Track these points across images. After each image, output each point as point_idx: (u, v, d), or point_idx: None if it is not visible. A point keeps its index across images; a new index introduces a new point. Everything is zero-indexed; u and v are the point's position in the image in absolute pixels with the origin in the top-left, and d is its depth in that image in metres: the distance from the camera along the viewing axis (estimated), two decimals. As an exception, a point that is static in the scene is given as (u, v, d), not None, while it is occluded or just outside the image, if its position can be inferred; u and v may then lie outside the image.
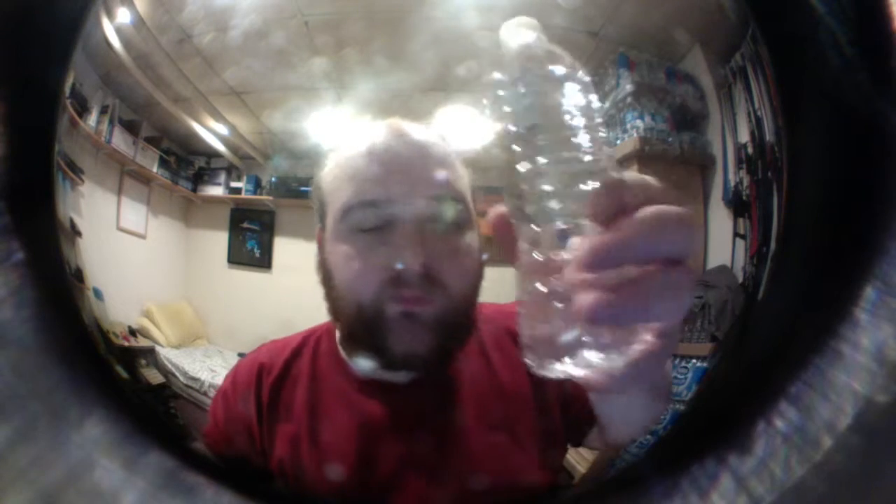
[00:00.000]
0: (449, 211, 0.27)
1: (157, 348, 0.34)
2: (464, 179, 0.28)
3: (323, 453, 0.30)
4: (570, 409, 0.31)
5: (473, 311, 0.27)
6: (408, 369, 0.29)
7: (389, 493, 0.30)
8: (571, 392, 0.29)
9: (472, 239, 0.28)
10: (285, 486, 0.30)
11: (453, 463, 0.30)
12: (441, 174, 0.27)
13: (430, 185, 0.27)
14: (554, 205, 0.20)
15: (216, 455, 0.31)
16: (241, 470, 0.31)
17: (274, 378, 0.31)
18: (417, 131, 0.27)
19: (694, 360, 0.32)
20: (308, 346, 0.32)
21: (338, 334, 0.31)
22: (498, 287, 0.27)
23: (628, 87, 0.32)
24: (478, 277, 0.27)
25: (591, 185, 0.19)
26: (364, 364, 0.30)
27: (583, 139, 0.20)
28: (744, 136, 0.32)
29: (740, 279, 0.31)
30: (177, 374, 0.34)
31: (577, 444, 0.32)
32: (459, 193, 0.27)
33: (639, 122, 0.32)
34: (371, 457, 0.29)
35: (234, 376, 0.32)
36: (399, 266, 0.25)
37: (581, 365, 0.19)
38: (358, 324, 0.27)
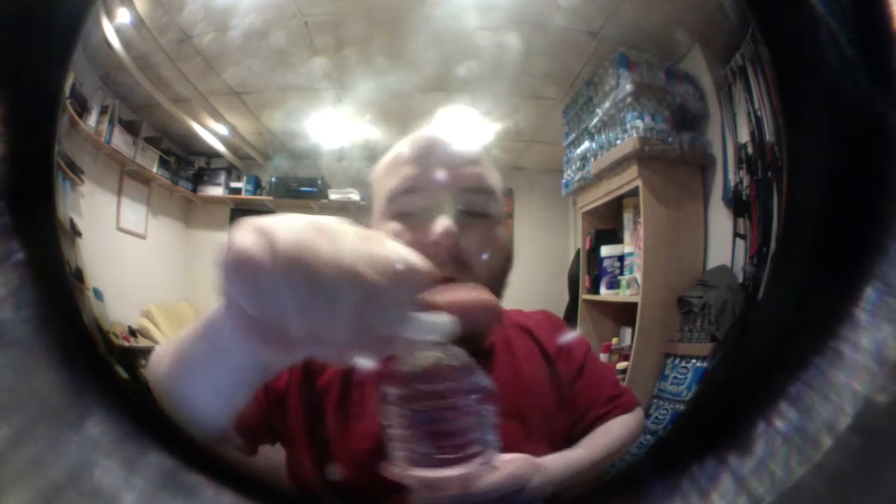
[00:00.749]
0: (479, 202, 0.30)
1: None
2: (495, 178, 0.31)
3: (351, 423, 0.31)
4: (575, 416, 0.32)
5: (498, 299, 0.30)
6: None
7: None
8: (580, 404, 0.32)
9: (500, 232, 0.31)
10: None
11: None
12: (473, 170, 0.31)
13: (463, 178, 0.30)
14: None
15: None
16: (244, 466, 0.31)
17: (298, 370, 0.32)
18: (455, 135, 0.31)
19: (694, 360, 0.32)
20: None
21: None
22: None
23: (628, 87, 0.32)
24: (504, 267, 0.31)
25: None
26: None
27: None
28: (744, 136, 0.32)
29: (740, 279, 0.31)
30: (177, 374, 0.34)
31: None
32: (490, 188, 0.31)
33: (639, 122, 0.32)
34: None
35: None
36: (433, 245, 0.28)
37: None
38: None
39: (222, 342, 0.24)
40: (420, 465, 0.24)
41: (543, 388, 0.33)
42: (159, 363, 0.29)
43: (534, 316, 0.34)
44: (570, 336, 0.34)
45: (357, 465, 0.31)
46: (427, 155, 0.30)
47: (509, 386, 0.31)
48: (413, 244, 0.27)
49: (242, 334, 0.22)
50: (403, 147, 0.30)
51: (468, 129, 0.31)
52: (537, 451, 0.31)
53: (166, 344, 0.30)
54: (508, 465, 0.28)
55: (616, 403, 0.33)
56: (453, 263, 0.29)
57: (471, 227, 0.30)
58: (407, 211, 0.30)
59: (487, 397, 0.25)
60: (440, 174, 0.30)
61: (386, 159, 0.31)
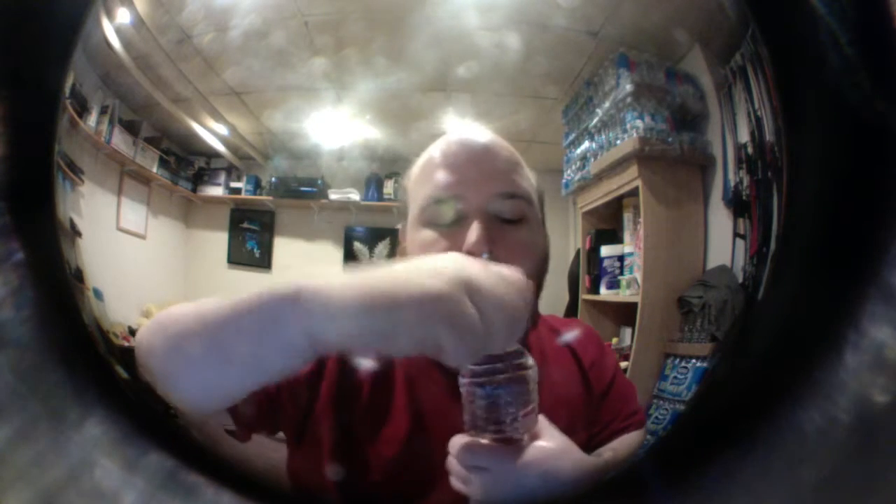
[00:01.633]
0: (514, 208, 0.30)
1: (157, 348, 0.34)
2: (529, 181, 0.31)
3: (380, 446, 0.31)
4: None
5: (534, 303, 0.29)
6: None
7: (430, 487, 0.30)
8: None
9: (536, 234, 0.31)
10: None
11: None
12: (507, 175, 0.30)
13: (497, 183, 0.30)
14: None
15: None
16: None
17: (335, 364, 0.31)
18: (487, 138, 0.30)
19: (694, 360, 0.32)
20: None
21: None
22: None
23: (628, 87, 0.32)
24: (540, 271, 0.31)
25: None
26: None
27: None
28: (744, 136, 0.32)
29: (740, 279, 0.31)
30: (177, 374, 0.34)
31: None
32: (525, 192, 0.30)
33: (639, 122, 0.32)
34: (417, 449, 0.31)
35: None
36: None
37: None
38: None
39: (276, 342, 0.23)
40: (486, 431, 0.28)
41: (578, 402, 0.33)
42: (162, 334, 0.28)
43: (571, 325, 0.34)
44: (602, 350, 0.34)
45: (381, 468, 0.31)
46: (459, 160, 0.30)
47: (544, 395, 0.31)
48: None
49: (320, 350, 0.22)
50: (435, 151, 0.30)
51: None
52: None
53: (168, 315, 0.28)
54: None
55: (634, 419, 0.33)
56: None
57: (506, 233, 0.29)
58: (439, 220, 0.30)
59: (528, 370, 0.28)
60: (473, 180, 0.30)
61: (420, 163, 0.31)
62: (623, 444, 0.33)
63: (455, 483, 0.28)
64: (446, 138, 0.30)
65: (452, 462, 0.28)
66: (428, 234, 0.30)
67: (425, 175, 0.31)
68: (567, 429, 0.30)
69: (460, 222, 0.29)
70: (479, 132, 0.30)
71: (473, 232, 0.28)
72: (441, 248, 0.29)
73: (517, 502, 0.28)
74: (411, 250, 0.31)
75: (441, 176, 0.30)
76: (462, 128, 0.30)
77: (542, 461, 0.28)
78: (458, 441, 0.28)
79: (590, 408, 0.33)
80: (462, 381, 0.28)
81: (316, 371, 0.31)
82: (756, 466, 0.24)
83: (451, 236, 0.29)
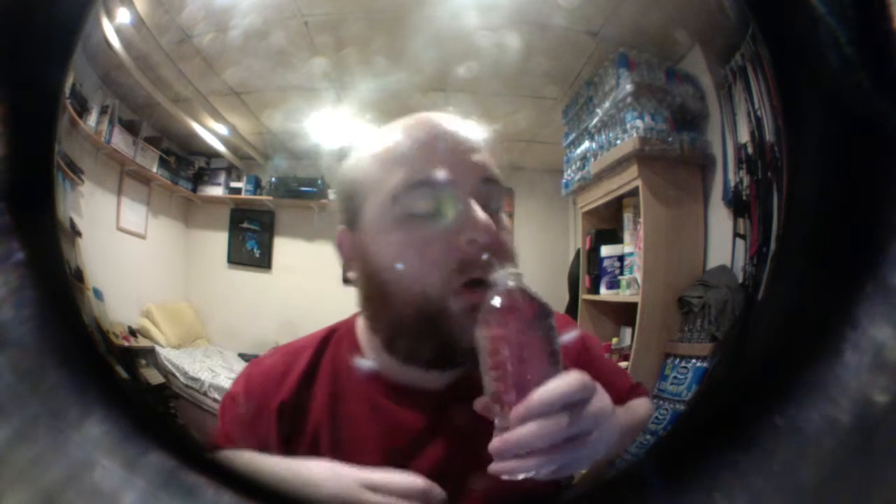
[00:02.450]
0: (496, 193, 0.27)
1: (157, 348, 0.34)
2: (497, 163, 0.27)
3: (347, 461, 0.28)
4: None
5: None
6: (460, 365, 0.27)
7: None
8: None
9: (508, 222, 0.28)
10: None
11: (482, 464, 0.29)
12: (486, 156, 0.27)
13: (481, 166, 0.26)
14: None
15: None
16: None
17: (293, 385, 0.30)
18: (452, 119, 0.27)
19: (694, 360, 0.32)
20: (329, 348, 0.30)
21: (365, 339, 0.30)
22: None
23: (628, 87, 0.32)
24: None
25: None
26: (400, 369, 0.29)
27: None
28: (744, 136, 0.32)
29: (740, 279, 0.31)
30: (177, 374, 0.34)
31: None
32: (500, 177, 0.27)
33: (639, 122, 0.32)
34: (400, 463, 0.28)
35: (246, 381, 0.31)
36: (468, 245, 0.25)
37: None
38: (417, 321, 0.26)
39: None
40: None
41: None
42: None
43: None
44: (579, 335, 0.32)
45: None
46: (436, 137, 0.26)
47: None
48: (441, 253, 0.25)
49: None
50: (399, 132, 0.26)
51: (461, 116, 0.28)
52: None
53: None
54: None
55: (637, 392, 0.32)
56: (488, 266, 0.25)
57: (496, 221, 0.26)
58: (418, 212, 0.25)
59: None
60: (458, 160, 0.26)
61: (375, 151, 0.27)
62: (637, 406, 0.30)
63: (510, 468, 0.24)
64: (411, 118, 0.26)
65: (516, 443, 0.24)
66: (408, 230, 0.25)
67: (393, 158, 0.26)
68: None
69: (447, 212, 0.25)
70: (442, 114, 0.27)
71: (478, 215, 0.24)
72: (432, 245, 0.25)
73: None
74: (384, 255, 0.26)
75: (416, 160, 0.25)
76: (422, 112, 0.27)
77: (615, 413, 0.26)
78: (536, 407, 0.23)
79: None
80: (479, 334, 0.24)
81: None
82: (756, 466, 0.24)
83: (442, 228, 0.25)
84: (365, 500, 0.25)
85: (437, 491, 0.26)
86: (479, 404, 0.25)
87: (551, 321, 0.25)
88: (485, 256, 0.25)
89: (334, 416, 0.29)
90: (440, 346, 0.27)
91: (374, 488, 0.25)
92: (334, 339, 0.30)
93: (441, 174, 0.25)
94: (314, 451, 0.28)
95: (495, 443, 0.24)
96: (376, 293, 0.27)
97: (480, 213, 0.25)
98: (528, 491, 0.31)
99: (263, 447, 0.29)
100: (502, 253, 0.26)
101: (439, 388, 0.29)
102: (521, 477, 0.24)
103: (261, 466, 0.27)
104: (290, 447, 0.29)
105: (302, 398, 0.29)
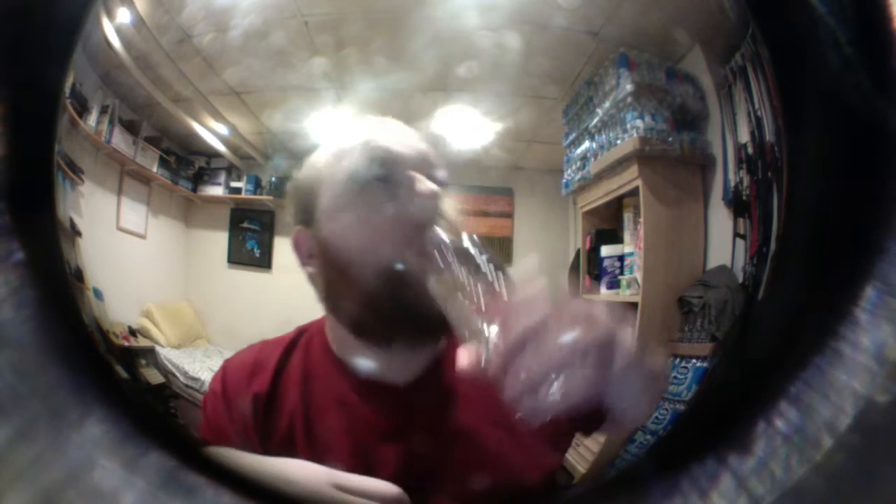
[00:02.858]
0: (442, 173, 0.28)
1: (157, 348, 0.34)
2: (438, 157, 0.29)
3: (319, 456, 0.29)
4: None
5: None
6: (428, 335, 0.29)
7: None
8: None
9: None
10: None
11: (453, 463, 0.30)
12: (427, 146, 0.29)
13: (422, 149, 0.28)
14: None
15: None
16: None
17: (267, 379, 0.31)
18: (395, 121, 0.29)
19: (694, 360, 0.32)
20: (299, 346, 0.32)
21: (333, 335, 0.31)
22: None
23: (628, 87, 0.32)
24: None
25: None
26: (364, 363, 0.30)
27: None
28: (744, 136, 0.32)
29: (740, 279, 0.31)
30: (177, 374, 0.34)
31: (588, 435, 0.32)
32: (440, 161, 0.29)
33: (639, 122, 0.32)
34: (369, 459, 0.29)
35: (223, 377, 0.32)
36: (416, 210, 0.26)
37: None
38: (378, 290, 0.27)
39: None
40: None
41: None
42: None
43: None
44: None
45: (348, 466, 0.30)
46: (384, 133, 0.28)
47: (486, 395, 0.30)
48: (391, 219, 0.27)
49: None
50: (349, 134, 0.29)
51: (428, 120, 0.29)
52: (530, 458, 0.31)
53: None
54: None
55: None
56: (440, 221, 0.26)
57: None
58: (369, 189, 0.27)
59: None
60: (402, 146, 0.28)
61: (327, 152, 0.29)
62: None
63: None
64: (358, 122, 0.29)
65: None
66: (362, 207, 0.27)
67: (344, 151, 0.28)
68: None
69: (395, 184, 0.27)
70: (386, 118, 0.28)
71: (419, 184, 0.26)
72: (384, 215, 0.27)
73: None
74: (342, 236, 0.28)
75: (368, 144, 0.28)
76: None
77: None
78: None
79: None
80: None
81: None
82: (756, 466, 0.24)
83: (392, 199, 0.27)
84: (333, 499, 0.27)
85: (407, 500, 0.27)
86: (462, 356, 0.24)
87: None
88: (433, 218, 0.26)
89: (307, 409, 0.30)
90: (405, 314, 0.27)
91: (345, 489, 0.27)
92: (305, 338, 0.32)
93: (387, 155, 0.27)
94: (290, 442, 0.30)
95: (508, 391, 0.22)
96: (337, 275, 0.28)
97: (426, 182, 0.27)
98: (529, 491, 0.31)
99: (242, 438, 0.30)
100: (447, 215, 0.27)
101: (405, 383, 0.30)
102: (549, 403, 0.21)
103: (238, 461, 0.28)
104: (266, 438, 0.30)
105: (276, 391, 0.30)
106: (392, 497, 0.27)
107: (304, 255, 0.29)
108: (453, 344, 0.28)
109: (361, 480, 0.27)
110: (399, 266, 0.26)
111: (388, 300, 0.27)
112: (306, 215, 0.29)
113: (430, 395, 0.30)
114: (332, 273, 0.28)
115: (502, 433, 0.30)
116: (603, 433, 0.32)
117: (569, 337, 0.22)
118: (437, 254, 0.25)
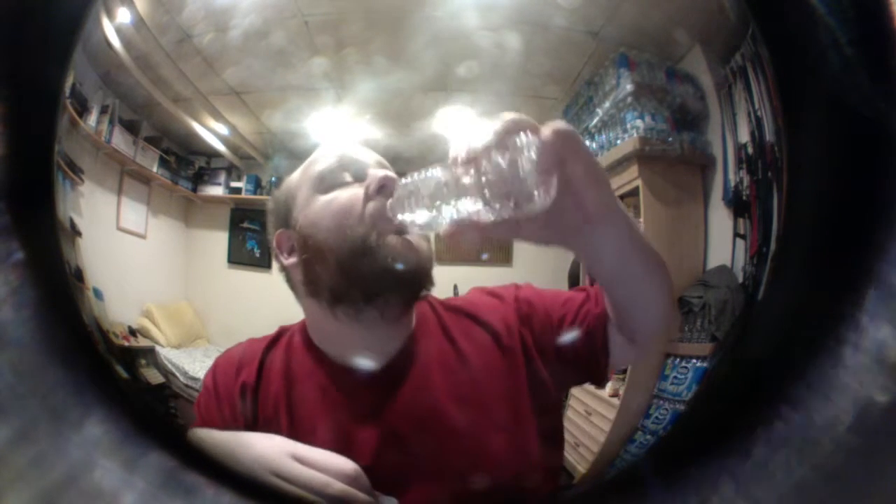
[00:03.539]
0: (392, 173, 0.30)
1: (157, 348, 0.34)
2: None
3: (301, 440, 0.30)
4: (578, 352, 0.32)
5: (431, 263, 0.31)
6: (392, 292, 0.30)
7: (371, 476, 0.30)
8: (572, 341, 0.32)
9: None
10: None
11: (429, 445, 0.31)
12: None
13: (378, 156, 0.31)
14: None
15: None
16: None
17: (253, 371, 0.32)
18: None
19: (694, 360, 0.32)
20: (281, 341, 0.33)
21: (313, 329, 0.32)
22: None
23: (628, 87, 0.32)
24: None
25: None
26: (340, 349, 0.32)
27: None
28: (744, 136, 0.32)
29: (740, 279, 0.31)
30: (177, 373, 0.34)
31: (603, 382, 0.33)
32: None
33: (639, 122, 0.32)
34: (347, 441, 0.30)
35: (213, 374, 0.33)
36: (374, 190, 0.29)
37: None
38: (353, 259, 0.29)
39: None
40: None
41: (499, 369, 0.32)
42: None
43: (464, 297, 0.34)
44: (504, 295, 0.33)
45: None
46: (345, 145, 0.31)
47: (458, 375, 0.32)
48: (355, 198, 0.30)
49: None
50: (317, 154, 0.32)
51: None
52: (507, 440, 0.31)
53: None
54: None
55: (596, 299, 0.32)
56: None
57: None
58: (337, 181, 0.30)
59: None
60: (360, 152, 0.31)
61: (300, 167, 0.32)
62: None
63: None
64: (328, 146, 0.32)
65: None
66: (332, 194, 0.30)
67: (313, 160, 0.31)
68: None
69: (357, 174, 0.30)
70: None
71: (376, 171, 0.30)
72: (350, 196, 0.30)
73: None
74: (313, 222, 0.31)
75: (332, 151, 0.31)
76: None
77: None
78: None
79: (519, 369, 0.32)
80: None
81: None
82: (756, 466, 0.24)
83: (356, 184, 0.30)
84: (288, 467, 0.28)
85: (364, 479, 0.28)
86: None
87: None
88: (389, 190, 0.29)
89: (289, 398, 0.32)
90: (381, 277, 0.29)
91: (302, 460, 0.28)
92: (287, 335, 0.34)
93: (351, 157, 0.31)
94: (276, 428, 0.31)
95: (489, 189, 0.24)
96: (314, 256, 0.30)
97: (381, 170, 0.30)
98: (528, 491, 0.31)
99: (231, 426, 0.32)
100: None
101: (380, 367, 0.32)
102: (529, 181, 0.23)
103: (210, 437, 0.31)
104: (253, 425, 0.32)
105: (261, 381, 0.32)
106: (347, 473, 0.28)
107: (286, 252, 0.32)
108: (420, 326, 0.32)
109: (319, 453, 0.29)
110: (364, 232, 0.29)
111: (360, 265, 0.29)
112: (285, 220, 0.32)
113: (404, 377, 0.32)
114: (310, 256, 0.30)
115: (476, 414, 0.31)
116: (625, 366, 0.33)
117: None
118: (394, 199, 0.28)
